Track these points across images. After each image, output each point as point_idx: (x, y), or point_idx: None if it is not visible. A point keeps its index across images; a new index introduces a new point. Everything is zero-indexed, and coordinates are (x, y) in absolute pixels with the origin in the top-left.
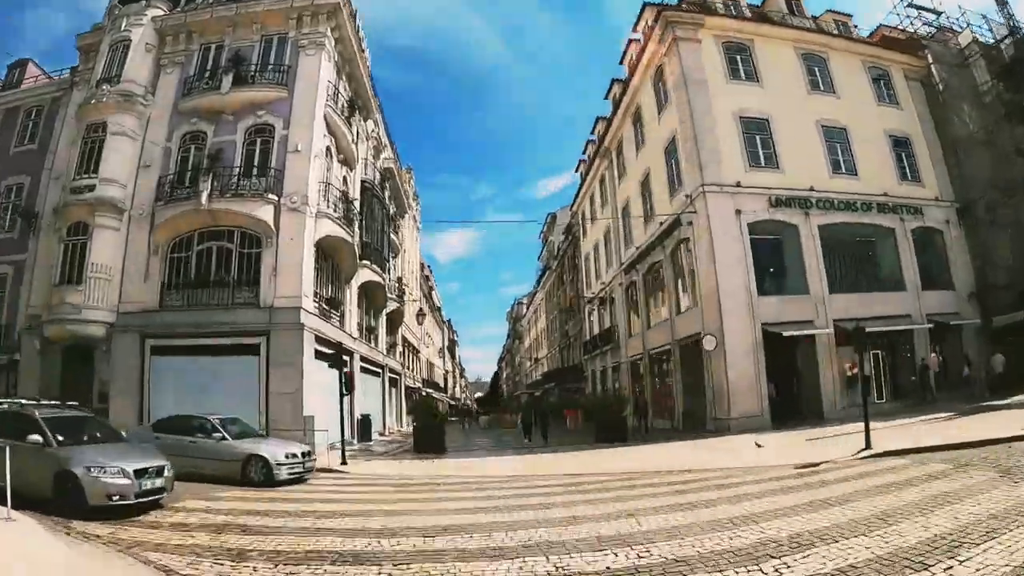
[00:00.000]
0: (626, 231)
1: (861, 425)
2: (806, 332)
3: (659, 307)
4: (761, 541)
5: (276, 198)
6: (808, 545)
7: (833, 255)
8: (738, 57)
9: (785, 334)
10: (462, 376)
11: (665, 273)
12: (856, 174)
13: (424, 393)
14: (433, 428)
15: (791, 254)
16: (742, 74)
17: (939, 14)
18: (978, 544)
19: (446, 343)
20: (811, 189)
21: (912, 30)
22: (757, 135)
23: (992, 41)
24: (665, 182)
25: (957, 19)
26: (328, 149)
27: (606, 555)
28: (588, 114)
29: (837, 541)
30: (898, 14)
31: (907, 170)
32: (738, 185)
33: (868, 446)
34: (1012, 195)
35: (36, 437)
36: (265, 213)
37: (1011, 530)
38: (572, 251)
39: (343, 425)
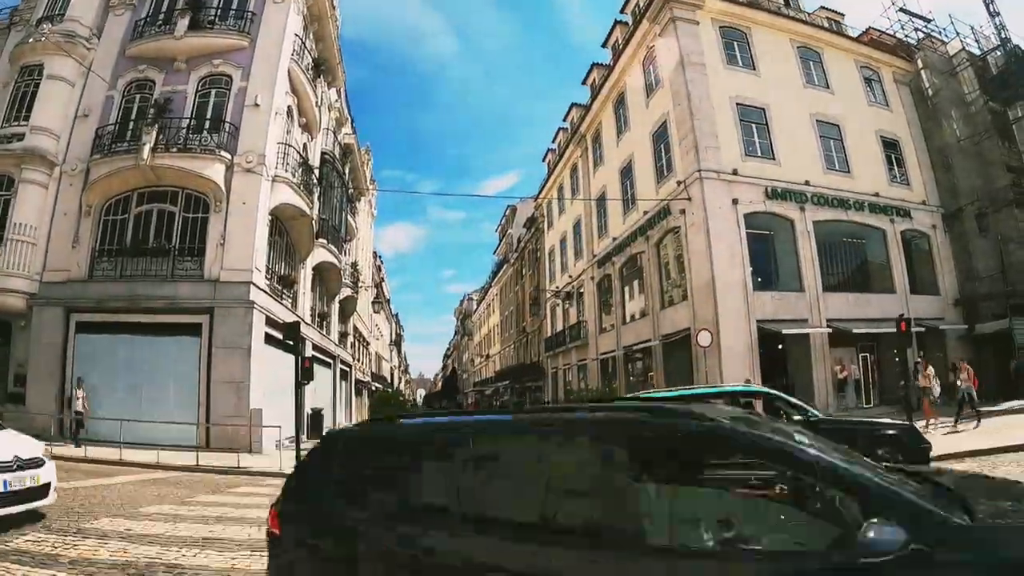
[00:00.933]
0: (601, 221)
1: None
2: (804, 331)
3: (639, 301)
4: None
5: (229, 156)
6: None
7: (826, 253)
8: (735, 43)
9: (784, 332)
10: (406, 372)
11: (648, 265)
12: (849, 172)
13: (375, 388)
14: None
15: (785, 250)
16: (739, 61)
17: (929, 21)
18: None
19: (393, 337)
20: (807, 183)
21: (902, 35)
22: (753, 124)
23: (980, 52)
24: (651, 169)
25: (946, 28)
26: (290, 109)
27: None
28: (540, 115)
29: None
30: (888, 18)
31: (896, 172)
32: (735, 173)
33: None
34: (998, 207)
35: None
36: (215, 173)
37: None
38: (535, 244)
39: (298, 420)
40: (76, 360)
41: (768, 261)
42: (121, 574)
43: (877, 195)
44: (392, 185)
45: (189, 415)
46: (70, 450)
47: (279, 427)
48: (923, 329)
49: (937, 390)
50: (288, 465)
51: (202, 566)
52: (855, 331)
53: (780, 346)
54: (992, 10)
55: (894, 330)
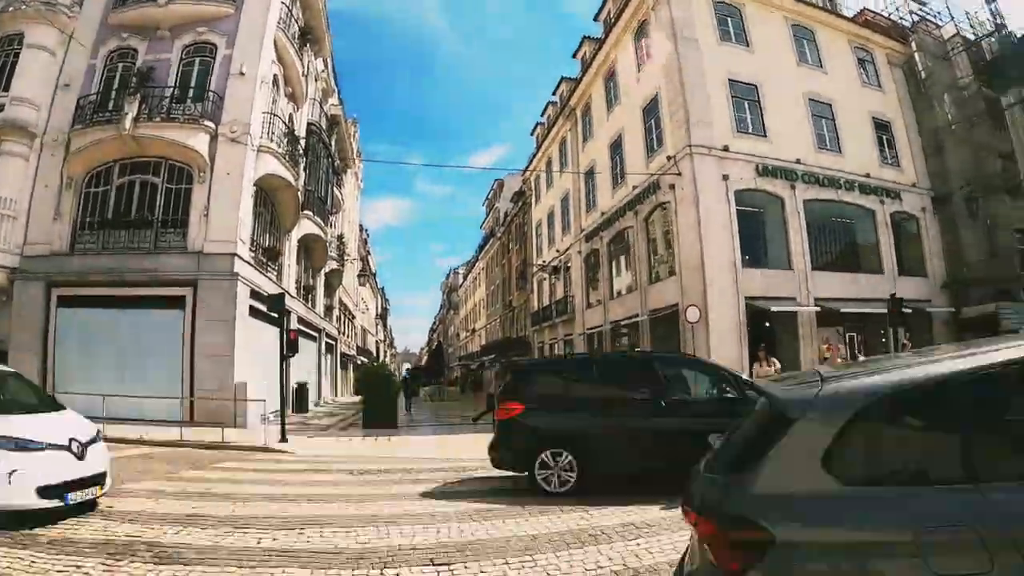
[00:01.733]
0: (589, 196)
1: None
2: (792, 309)
3: (627, 276)
4: None
5: (213, 126)
6: None
7: (815, 232)
8: (728, 19)
9: (773, 309)
10: (391, 346)
11: (636, 240)
12: (840, 152)
13: (360, 361)
14: (386, 401)
15: (774, 228)
16: (732, 37)
17: (924, 4)
18: None
19: (379, 311)
20: (797, 161)
21: (897, 17)
22: (746, 100)
23: (974, 38)
24: (642, 143)
25: (941, 12)
26: (276, 79)
27: None
28: (529, 90)
29: None
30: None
31: (887, 154)
32: (726, 149)
33: None
34: (988, 193)
35: None
36: (199, 142)
37: None
38: (522, 218)
39: (283, 393)
40: (58, 334)
41: (757, 238)
42: (100, 553)
43: (868, 176)
44: (379, 158)
45: (173, 389)
46: None
47: (263, 401)
48: (910, 311)
49: None
50: (273, 440)
51: (184, 544)
52: (843, 310)
53: (768, 323)
54: None
55: (882, 310)
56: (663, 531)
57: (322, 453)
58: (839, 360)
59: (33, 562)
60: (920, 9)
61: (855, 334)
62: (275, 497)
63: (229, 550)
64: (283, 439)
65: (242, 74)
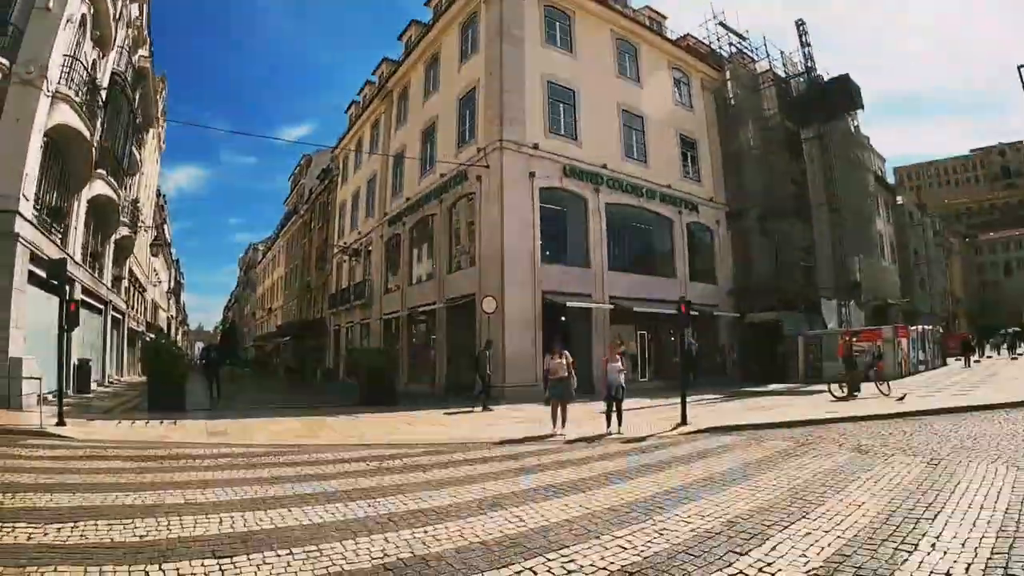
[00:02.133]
0: (396, 180)
1: (643, 401)
2: (587, 305)
3: (427, 264)
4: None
5: (8, 64)
6: None
7: (615, 235)
8: (557, 24)
9: (569, 304)
10: (184, 323)
11: (439, 228)
12: (646, 162)
13: (150, 338)
14: (173, 381)
15: (576, 227)
16: (558, 41)
17: (744, 39)
18: None
19: (172, 285)
20: (604, 166)
21: (717, 47)
22: (561, 103)
23: (785, 75)
24: (454, 133)
25: (758, 48)
26: (84, 19)
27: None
28: (346, 67)
29: None
30: (708, 29)
31: (690, 169)
32: (536, 147)
33: (684, 422)
34: (778, 214)
35: None
36: None
37: None
38: (327, 197)
39: (61, 372)
40: None
41: (558, 236)
42: None
43: (669, 187)
44: (182, 119)
45: None
46: None
47: (39, 379)
48: (698, 313)
49: None
50: (50, 423)
51: None
52: (636, 309)
53: (564, 317)
54: (804, 40)
55: (672, 311)
56: None
57: (103, 438)
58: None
59: None
60: (739, 43)
61: (646, 332)
62: (49, 487)
63: None
64: (60, 422)
65: (48, 8)
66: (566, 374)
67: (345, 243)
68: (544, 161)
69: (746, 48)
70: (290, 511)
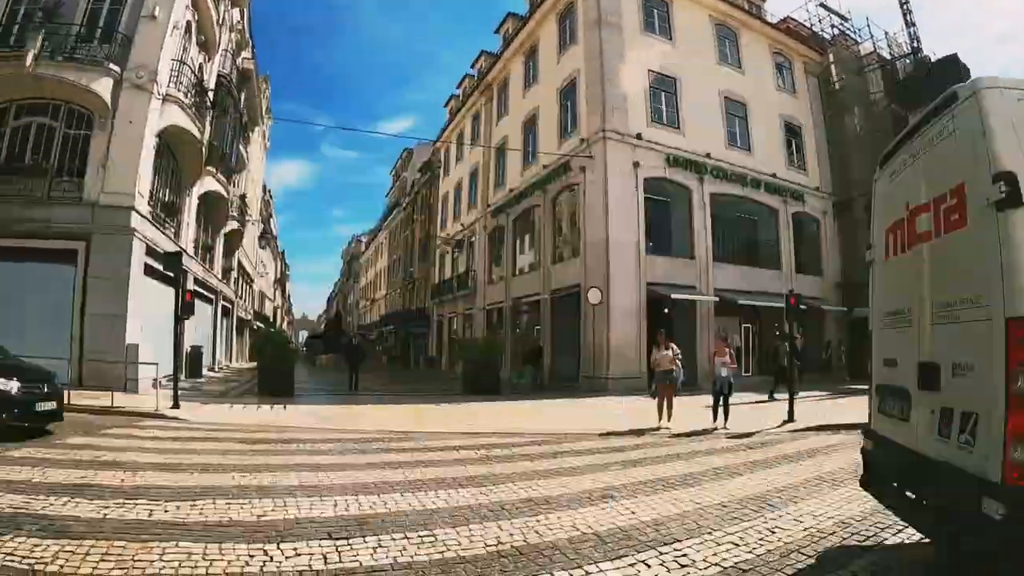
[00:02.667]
0: (499, 172)
1: (746, 397)
2: (693, 297)
3: (530, 255)
4: None
5: (119, 70)
6: None
7: (719, 225)
8: (655, 11)
9: (673, 296)
10: (289, 312)
11: (543, 219)
12: (750, 150)
13: (257, 327)
14: (283, 368)
15: (680, 217)
16: (656, 28)
17: (846, 20)
18: None
19: (278, 275)
20: (708, 156)
21: (818, 29)
22: (663, 92)
23: (890, 57)
24: (556, 124)
25: (861, 29)
26: (188, 25)
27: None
28: (442, 62)
29: None
30: (808, 11)
31: (795, 157)
32: (639, 137)
33: (792, 418)
34: None
35: None
36: (103, 87)
37: None
38: (428, 190)
39: (177, 357)
40: None
41: (663, 226)
42: None
43: (774, 176)
44: (286, 117)
45: (61, 350)
46: None
47: (156, 364)
48: (805, 308)
49: None
50: (165, 406)
51: (71, 516)
52: (740, 302)
53: (667, 309)
54: (909, 20)
55: (778, 304)
56: None
57: (216, 421)
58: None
59: None
60: (841, 24)
61: (750, 326)
62: (167, 466)
63: (119, 523)
64: (175, 405)
65: (154, 17)
66: (672, 366)
67: (448, 234)
68: (647, 151)
69: (848, 29)
70: (403, 496)
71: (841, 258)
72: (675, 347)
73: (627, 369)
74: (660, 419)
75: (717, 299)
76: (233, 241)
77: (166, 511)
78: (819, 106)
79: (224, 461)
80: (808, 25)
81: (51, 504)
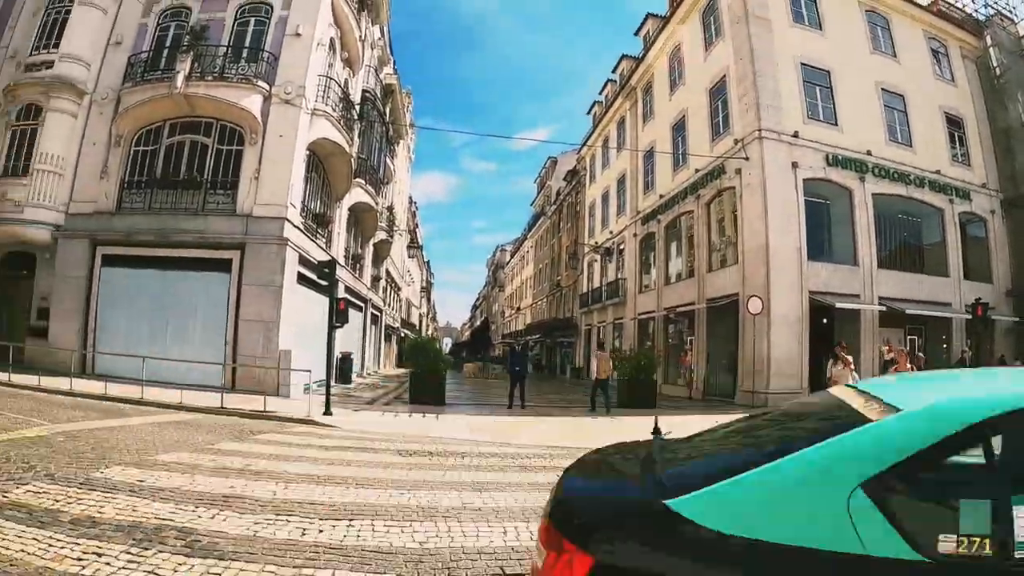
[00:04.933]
0: (648, 177)
1: None
2: (857, 306)
3: (684, 262)
4: None
5: (267, 87)
6: None
7: (881, 228)
8: (802, 1)
9: (838, 306)
10: (434, 319)
11: (696, 225)
12: (911, 146)
13: (404, 334)
14: (434, 376)
15: (841, 221)
16: (805, 18)
17: None
18: None
19: (424, 284)
20: (868, 153)
21: (971, 9)
22: (817, 86)
23: None
24: (707, 125)
25: (1015, 7)
26: (332, 42)
27: None
28: (581, 70)
29: None
30: None
31: (957, 151)
32: (796, 135)
33: None
34: None
35: None
36: (252, 103)
37: None
38: (574, 197)
39: (330, 364)
40: (100, 294)
41: (822, 231)
42: (127, 538)
43: (938, 172)
44: (428, 133)
45: (215, 355)
46: (89, 386)
47: (309, 371)
48: (993, 319)
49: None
50: (317, 412)
51: (219, 532)
52: (909, 312)
53: (826, 320)
54: None
55: (947, 314)
56: None
57: (368, 429)
58: (909, 366)
59: (50, 545)
60: (996, 2)
61: (915, 337)
62: (320, 479)
63: (270, 542)
64: (327, 411)
65: (298, 35)
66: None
67: (596, 242)
68: (805, 150)
69: (1004, 8)
70: None
71: (1013, 262)
72: (851, 362)
73: (787, 384)
74: None
75: (883, 308)
76: (381, 251)
77: (320, 531)
78: (980, 94)
79: (380, 475)
80: (960, 6)
81: (199, 517)
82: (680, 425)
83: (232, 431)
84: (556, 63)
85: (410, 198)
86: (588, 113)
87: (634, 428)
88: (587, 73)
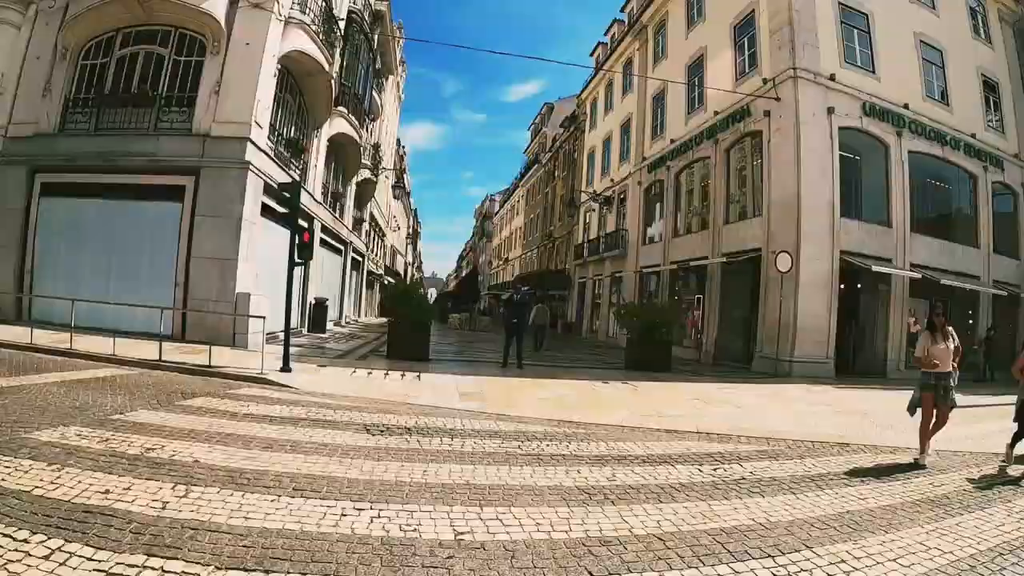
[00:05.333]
0: (656, 121)
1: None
2: (893, 271)
3: (696, 213)
4: None
5: None
6: None
7: (917, 190)
8: None
9: (874, 268)
10: (420, 270)
11: (713, 172)
12: (949, 105)
13: (387, 282)
14: (418, 328)
15: (875, 178)
16: None
17: None
18: None
19: (410, 232)
20: (906, 106)
21: None
22: (855, 29)
23: None
24: (730, 64)
25: None
26: None
27: None
28: (574, 24)
29: None
30: None
31: (992, 116)
32: (832, 78)
33: None
34: None
35: None
36: (215, 5)
37: None
38: (572, 144)
39: (289, 308)
40: (39, 227)
41: (854, 187)
42: None
43: (974, 136)
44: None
45: (164, 297)
46: (14, 333)
47: (263, 318)
48: (1005, 293)
49: None
50: (273, 368)
51: None
52: (944, 282)
53: (858, 284)
54: None
55: (974, 287)
56: None
57: (333, 391)
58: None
59: None
60: None
61: (940, 309)
62: (241, 479)
63: None
64: (285, 367)
65: None
66: (956, 368)
67: (594, 191)
68: (841, 95)
69: None
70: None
71: None
72: (955, 335)
73: (813, 352)
74: (924, 451)
75: (919, 275)
76: (365, 191)
77: None
78: (1015, 60)
79: (333, 471)
80: None
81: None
82: (718, 396)
83: (158, 393)
84: (551, 13)
85: (398, 140)
86: (591, 55)
87: (657, 398)
88: (583, 28)
